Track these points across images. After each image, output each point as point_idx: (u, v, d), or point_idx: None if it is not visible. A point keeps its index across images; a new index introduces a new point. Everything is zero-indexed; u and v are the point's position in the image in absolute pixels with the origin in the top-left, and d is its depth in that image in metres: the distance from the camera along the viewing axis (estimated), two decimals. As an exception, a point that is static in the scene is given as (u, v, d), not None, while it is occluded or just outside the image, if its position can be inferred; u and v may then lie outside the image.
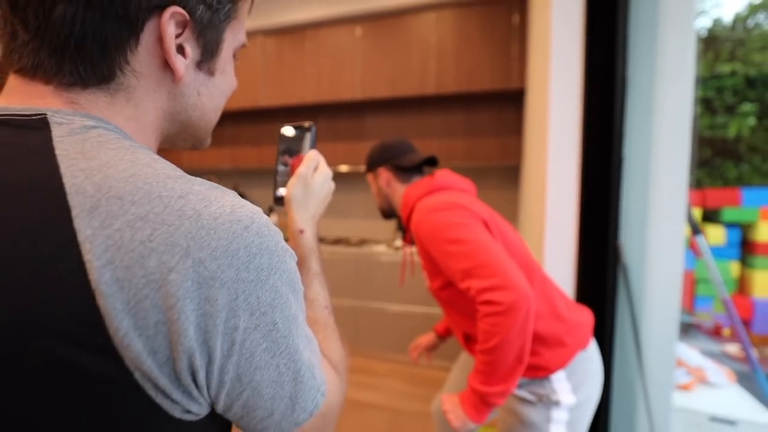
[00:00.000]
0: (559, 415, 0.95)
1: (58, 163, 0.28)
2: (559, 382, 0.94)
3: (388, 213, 1.14)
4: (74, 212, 0.27)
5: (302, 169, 0.55)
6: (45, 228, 0.27)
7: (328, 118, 3.05)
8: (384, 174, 1.10)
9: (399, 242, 2.82)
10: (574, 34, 1.18)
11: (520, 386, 0.97)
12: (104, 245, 0.27)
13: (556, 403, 0.94)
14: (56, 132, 0.30)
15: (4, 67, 0.34)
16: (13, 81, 0.33)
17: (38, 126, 0.30)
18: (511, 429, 1.00)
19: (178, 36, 0.35)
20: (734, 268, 3.67)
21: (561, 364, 0.93)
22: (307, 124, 0.58)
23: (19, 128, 0.30)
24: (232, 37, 0.40)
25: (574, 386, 0.94)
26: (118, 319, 0.26)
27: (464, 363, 1.26)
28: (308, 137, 0.58)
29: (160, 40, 0.34)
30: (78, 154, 0.29)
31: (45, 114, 0.31)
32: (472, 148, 2.72)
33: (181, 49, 0.35)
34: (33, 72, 0.32)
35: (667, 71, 1.09)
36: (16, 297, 0.27)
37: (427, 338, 1.36)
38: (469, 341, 1.03)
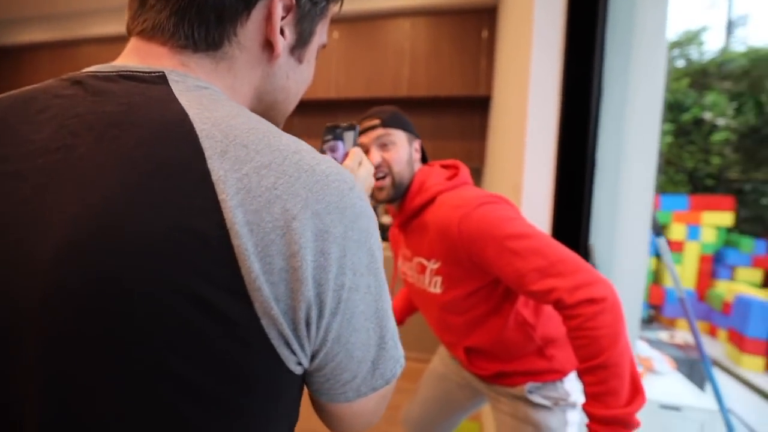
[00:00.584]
0: (574, 417, 0.82)
1: (186, 110, 0.27)
2: (571, 383, 0.82)
3: (396, 190, 0.83)
4: (207, 153, 0.26)
5: (348, 162, 0.55)
6: (182, 166, 0.25)
7: (304, 115, 2.86)
8: (419, 147, 0.87)
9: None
10: (553, 44, 1.12)
11: (531, 391, 0.82)
12: (235, 187, 0.25)
13: (573, 405, 0.81)
14: (174, 87, 0.30)
15: (129, 30, 0.33)
16: (132, 43, 0.33)
17: (158, 81, 0.30)
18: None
19: (282, 18, 0.34)
20: (652, 262, 3.89)
21: (574, 365, 0.78)
22: (350, 123, 0.59)
23: (141, 82, 0.29)
24: (320, 33, 0.40)
25: None
26: (249, 261, 0.24)
27: (439, 375, 1.06)
28: (351, 135, 0.58)
29: (268, 18, 0.34)
30: (199, 106, 0.28)
31: (163, 71, 0.30)
32: (438, 149, 2.65)
33: (281, 32, 0.35)
34: (151, 34, 0.32)
35: (639, 85, 1.05)
36: (156, 233, 0.24)
37: None
38: (471, 354, 0.87)
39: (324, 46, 0.42)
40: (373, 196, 0.82)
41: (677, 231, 3.98)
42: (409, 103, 2.66)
